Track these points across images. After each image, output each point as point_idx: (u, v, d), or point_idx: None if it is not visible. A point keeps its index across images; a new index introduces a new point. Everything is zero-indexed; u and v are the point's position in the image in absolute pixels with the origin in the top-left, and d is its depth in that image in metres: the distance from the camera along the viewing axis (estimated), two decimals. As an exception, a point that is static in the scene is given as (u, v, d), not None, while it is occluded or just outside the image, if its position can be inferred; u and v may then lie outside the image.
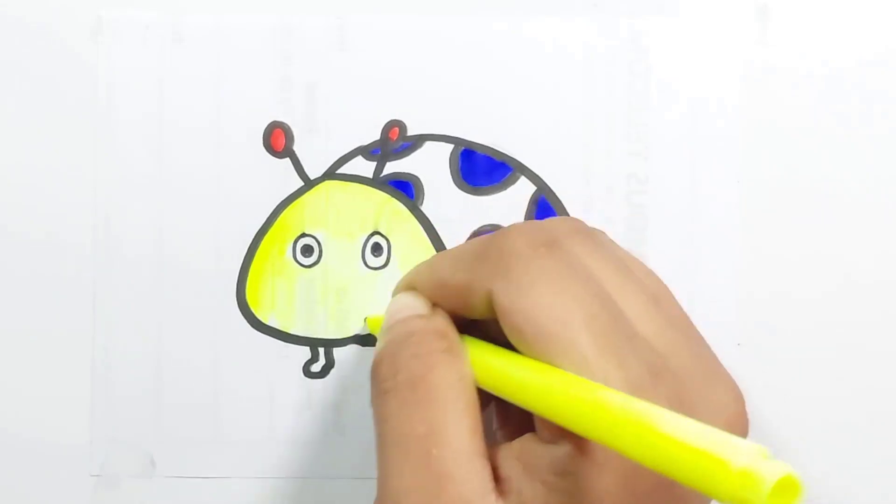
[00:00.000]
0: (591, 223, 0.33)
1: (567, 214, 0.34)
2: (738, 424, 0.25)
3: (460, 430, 0.24)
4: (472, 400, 0.25)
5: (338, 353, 0.34)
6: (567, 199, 0.34)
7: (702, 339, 0.27)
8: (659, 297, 0.27)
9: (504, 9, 0.34)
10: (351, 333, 0.34)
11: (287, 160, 0.34)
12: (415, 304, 0.28)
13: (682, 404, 0.24)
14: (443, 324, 0.27)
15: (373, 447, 0.33)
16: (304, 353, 0.34)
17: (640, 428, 0.20)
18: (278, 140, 0.34)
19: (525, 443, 0.25)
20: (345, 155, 0.34)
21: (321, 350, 0.34)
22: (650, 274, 0.28)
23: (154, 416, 0.33)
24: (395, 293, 0.30)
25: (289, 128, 0.34)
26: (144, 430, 0.33)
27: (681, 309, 0.28)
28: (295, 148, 0.34)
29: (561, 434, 0.23)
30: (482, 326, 0.27)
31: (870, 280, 0.33)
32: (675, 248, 0.33)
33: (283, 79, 0.34)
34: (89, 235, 0.34)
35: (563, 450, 0.24)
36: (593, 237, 0.27)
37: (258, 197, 0.34)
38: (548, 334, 0.24)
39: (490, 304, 0.25)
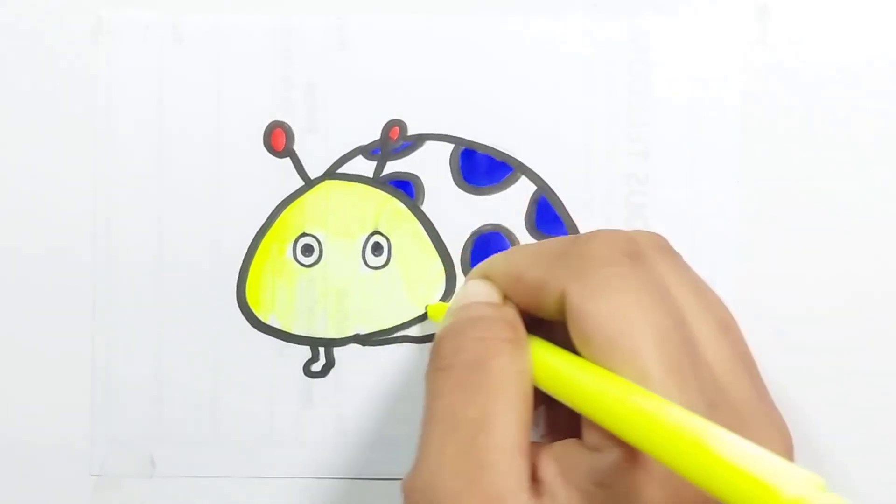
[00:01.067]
0: (591, 223, 0.34)
1: (567, 214, 0.34)
2: None
3: (509, 422, 0.24)
4: (528, 396, 0.25)
5: (338, 352, 0.34)
6: (567, 198, 0.34)
7: (760, 377, 0.27)
8: (728, 326, 0.27)
9: (504, 9, 0.34)
10: (351, 333, 0.34)
11: (287, 160, 0.34)
12: (487, 292, 0.28)
13: None
14: (512, 315, 0.27)
15: (373, 447, 0.33)
16: (305, 352, 0.34)
17: (695, 446, 0.20)
18: (278, 140, 0.34)
19: (567, 447, 0.24)
20: (345, 155, 0.34)
21: (321, 350, 0.34)
22: (721, 302, 0.28)
23: (154, 416, 0.33)
24: (468, 280, 0.30)
25: (289, 127, 0.34)
26: (144, 430, 0.33)
27: (746, 343, 0.27)
28: (295, 148, 0.34)
29: (609, 442, 0.23)
30: (548, 329, 0.27)
31: (870, 280, 0.33)
32: (675, 247, 0.33)
33: (283, 79, 0.34)
34: (90, 235, 0.34)
35: (608, 458, 0.23)
36: (674, 256, 0.27)
37: (258, 197, 0.34)
38: (615, 343, 0.24)
39: (562, 306, 0.25)
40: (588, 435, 0.24)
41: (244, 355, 0.33)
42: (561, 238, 0.28)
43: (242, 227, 0.34)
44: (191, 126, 0.34)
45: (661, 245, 0.27)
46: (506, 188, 0.34)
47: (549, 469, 0.24)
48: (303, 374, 0.34)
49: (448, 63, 0.34)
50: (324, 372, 0.34)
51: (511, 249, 0.30)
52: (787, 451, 0.25)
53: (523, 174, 0.34)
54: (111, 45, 0.34)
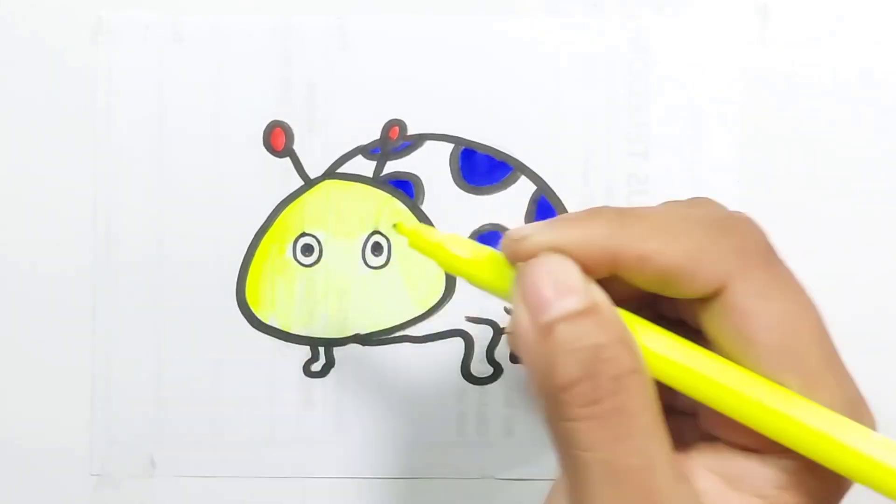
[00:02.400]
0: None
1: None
2: None
3: (666, 455, 0.23)
4: (661, 413, 0.23)
5: (338, 352, 0.33)
6: (567, 198, 0.34)
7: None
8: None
9: (504, 9, 0.34)
10: (351, 333, 0.34)
11: (287, 159, 0.34)
12: (577, 286, 0.23)
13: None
14: (621, 324, 0.23)
15: (373, 447, 0.33)
16: (305, 352, 0.34)
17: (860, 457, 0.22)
18: (278, 139, 0.34)
19: (722, 456, 0.24)
20: (345, 154, 0.34)
21: (321, 349, 0.34)
22: None
23: (154, 416, 0.33)
24: (528, 248, 0.24)
25: (289, 127, 0.34)
26: (144, 430, 0.33)
27: None
28: (295, 147, 0.34)
29: (779, 448, 0.23)
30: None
31: (870, 279, 0.33)
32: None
33: (283, 78, 0.34)
34: (89, 235, 0.34)
35: (784, 464, 0.23)
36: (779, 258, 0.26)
37: (258, 196, 0.34)
38: (783, 347, 0.23)
39: (710, 295, 0.23)
40: (741, 438, 0.24)
41: (244, 355, 0.33)
42: (691, 214, 0.24)
43: (242, 226, 0.34)
44: (191, 126, 0.34)
45: (771, 246, 0.26)
46: (506, 188, 0.34)
47: (708, 480, 0.24)
48: (303, 373, 0.34)
49: (448, 63, 0.34)
50: (324, 372, 0.34)
51: (606, 216, 0.24)
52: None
53: (523, 174, 0.34)
54: (111, 45, 0.34)
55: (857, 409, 0.23)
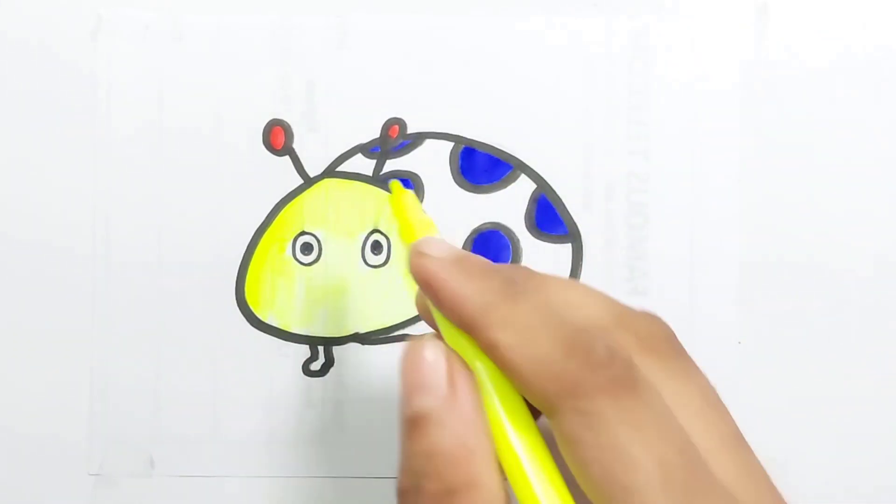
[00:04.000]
0: (591, 222, 0.34)
1: (567, 213, 0.34)
2: None
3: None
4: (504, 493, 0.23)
5: (337, 351, 0.33)
6: (567, 197, 0.34)
7: (772, 487, 0.25)
8: (739, 437, 0.25)
9: (504, 8, 0.34)
10: (350, 332, 0.33)
11: (287, 158, 0.34)
12: (430, 382, 0.23)
13: None
14: (464, 427, 0.23)
15: (373, 446, 0.33)
16: (304, 351, 0.34)
17: None
18: (278, 138, 0.34)
19: None
20: (344, 153, 0.34)
21: (321, 348, 0.33)
22: (728, 411, 0.25)
23: (153, 415, 0.33)
24: (430, 282, 0.24)
25: (288, 126, 0.34)
26: (143, 430, 0.33)
27: (754, 454, 0.25)
28: (294, 146, 0.34)
29: None
30: None
31: (871, 278, 0.33)
32: (675, 246, 0.33)
33: (282, 77, 0.34)
34: (89, 234, 0.34)
35: None
36: (679, 360, 0.25)
37: (258, 195, 0.34)
38: (615, 482, 0.22)
39: (546, 412, 0.23)
40: None
41: (243, 354, 0.33)
42: (555, 326, 0.23)
43: (242, 225, 0.34)
44: (190, 124, 0.34)
45: (665, 348, 0.25)
46: (505, 186, 0.34)
47: None
48: (302, 373, 0.33)
49: (447, 62, 0.34)
50: (323, 371, 0.34)
51: (492, 290, 0.23)
52: None
53: (523, 172, 0.34)
54: (111, 45, 0.34)
55: None
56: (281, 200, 0.34)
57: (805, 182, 0.34)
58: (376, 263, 0.34)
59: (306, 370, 0.34)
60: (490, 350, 0.23)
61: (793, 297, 0.33)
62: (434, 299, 0.23)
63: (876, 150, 0.34)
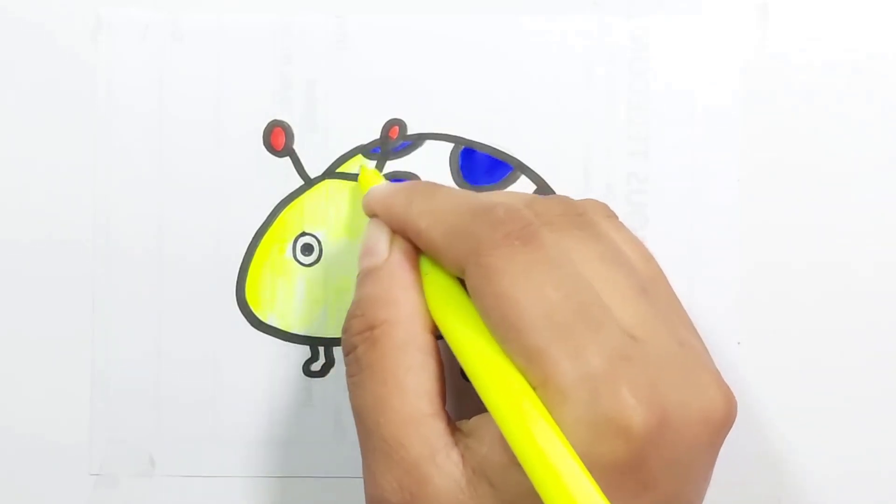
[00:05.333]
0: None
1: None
2: (722, 421, 0.25)
3: (403, 397, 0.26)
4: (419, 362, 0.27)
5: (338, 351, 0.33)
6: (567, 198, 0.34)
7: (693, 331, 0.28)
8: (650, 284, 0.27)
9: (504, 8, 0.34)
10: (351, 332, 0.33)
11: (287, 159, 0.34)
12: (374, 248, 0.29)
13: (655, 391, 0.24)
14: (392, 279, 0.28)
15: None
16: (304, 352, 0.34)
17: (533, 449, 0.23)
18: (278, 139, 0.34)
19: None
20: (345, 154, 0.34)
21: (321, 349, 0.34)
22: (648, 260, 0.29)
23: (153, 415, 0.33)
24: (366, 208, 0.30)
25: (289, 126, 0.34)
26: (144, 430, 0.33)
27: (674, 298, 0.28)
28: (295, 147, 0.34)
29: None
30: None
31: (871, 278, 0.33)
32: (675, 246, 0.33)
33: (282, 78, 0.34)
34: (89, 235, 0.34)
35: None
36: (585, 224, 0.28)
37: (258, 196, 0.34)
38: (506, 322, 0.25)
39: (462, 274, 0.26)
40: None
41: (244, 355, 0.33)
42: (463, 201, 0.28)
43: (242, 226, 0.34)
44: (190, 125, 0.34)
45: (572, 216, 0.28)
46: (505, 187, 0.34)
47: (478, 419, 0.26)
48: (302, 373, 0.34)
49: (448, 63, 0.34)
50: (323, 371, 0.34)
51: (413, 190, 0.30)
52: (723, 398, 0.25)
53: (523, 173, 0.34)
54: (111, 44, 0.34)
55: (599, 378, 0.24)
56: (281, 201, 0.34)
57: (805, 182, 0.34)
58: (376, 264, 0.34)
59: (307, 370, 0.34)
60: (416, 238, 0.28)
61: (793, 297, 0.33)
62: (375, 214, 0.30)
63: (876, 150, 0.34)
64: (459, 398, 0.30)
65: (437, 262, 0.28)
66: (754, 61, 0.34)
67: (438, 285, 0.28)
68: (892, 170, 0.34)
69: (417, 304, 0.28)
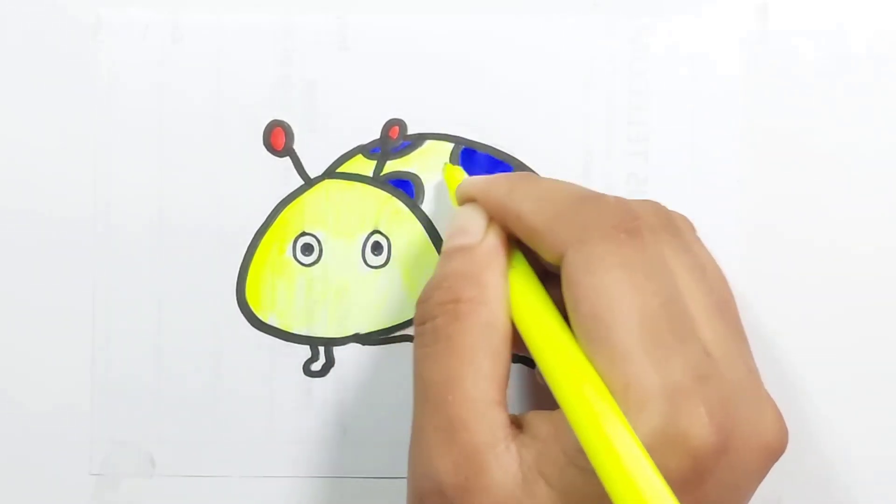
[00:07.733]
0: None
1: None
2: (777, 450, 0.25)
3: (476, 378, 0.25)
4: (497, 347, 0.26)
5: (338, 351, 0.33)
6: (567, 198, 0.34)
7: (753, 360, 0.27)
8: (726, 304, 0.27)
9: (504, 8, 0.34)
10: (351, 332, 0.34)
11: (287, 159, 0.34)
12: (469, 228, 0.28)
13: (726, 413, 0.24)
14: (484, 260, 0.27)
15: (373, 446, 0.33)
16: (304, 352, 0.34)
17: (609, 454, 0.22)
18: (278, 139, 0.34)
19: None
20: (345, 154, 0.34)
21: (321, 349, 0.34)
22: (723, 280, 0.28)
23: (154, 415, 0.33)
24: (462, 194, 0.30)
25: (289, 126, 0.34)
26: (144, 430, 0.33)
27: (741, 323, 0.28)
28: (295, 147, 0.34)
29: None
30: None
31: (871, 277, 0.33)
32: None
33: (282, 78, 0.34)
34: (89, 234, 0.34)
35: None
36: (678, 232, 0.27)
37: (258, 196, 0.34)
38: (598, 318, 0.24)
39: (559, 262, 0.26)
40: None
41: (244, 355, 0.33)
42: (568, 189, 0.28)
43: (242, 226, 0.34)
44: (190, 125, 0.34)
45: (664, 220, 0.27)
46: (506, 187, 0.34)
47: (533, 415, 0.25)
48: (302, 373, 0.34)
49: (448, 63, 0.34)
50: (323, 371, 0.34)
51: (514, 178, 0.30)
52: (780, 431, 0.25)
53: (523, 173, 0.34)
54: (111, 44, 0.34)
55: (680, 392, 0.23)
56: (281, 201, 0.34)
57: (805, 182, 0.34)
58: (377, 264, 0.34)
59: (307, 371, 0.34)
60: (516, 222, 0.27)
61: (793, 296, 0.33)
62: (473, 198, 0.29)
63: (876, 149, 0.34)
64: None
65: (535, 247, 0.27)
66: (754, 61, 0.34)
67: (523, 280, 0.27)
68: (892, 170, 0.34)
69: (506, 291, 0.27)
